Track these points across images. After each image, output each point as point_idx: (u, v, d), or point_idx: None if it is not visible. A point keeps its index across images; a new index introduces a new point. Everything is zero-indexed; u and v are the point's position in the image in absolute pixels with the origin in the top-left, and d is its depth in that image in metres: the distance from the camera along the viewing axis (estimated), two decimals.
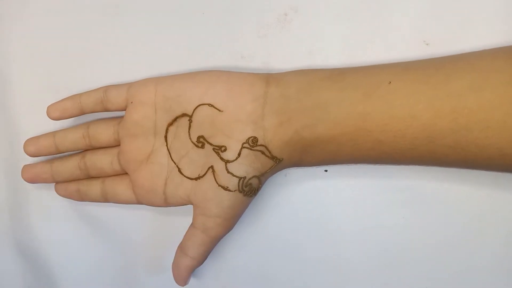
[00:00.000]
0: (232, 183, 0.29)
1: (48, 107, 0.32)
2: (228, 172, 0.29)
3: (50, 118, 0.32)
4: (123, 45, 0.33)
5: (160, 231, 0.35)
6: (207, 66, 0.32)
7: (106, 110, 0.32)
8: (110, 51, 0.34)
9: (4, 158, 0.37)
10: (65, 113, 0.32)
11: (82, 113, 0.32)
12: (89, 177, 0.33)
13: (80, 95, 0.32)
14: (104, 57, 0.34)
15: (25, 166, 0.34)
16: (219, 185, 0.29)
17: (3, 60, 0.35)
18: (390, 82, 0.26)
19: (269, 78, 0.29)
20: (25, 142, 0.33)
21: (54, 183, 0.34)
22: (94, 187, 0.33)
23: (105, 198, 0.33)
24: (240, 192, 0.29)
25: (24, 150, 0.33)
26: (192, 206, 0.31)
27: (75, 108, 0.32)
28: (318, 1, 0.31)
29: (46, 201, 0.36)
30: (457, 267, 0.32)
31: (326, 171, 0.32)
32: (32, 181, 0.34)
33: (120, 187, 0.32)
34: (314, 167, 0.32)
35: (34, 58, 0.35)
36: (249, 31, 0.32)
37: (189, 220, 0.31)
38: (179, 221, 0.33)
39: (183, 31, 0.33)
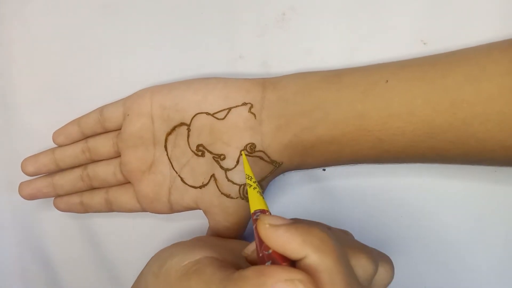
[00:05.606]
0: (234, 190, 0.29)
1: (53, 133, 0.33)
2: (228, 180, 0.29)
3: (56, 144, 0.33)
4: (122, 45, 0.33)
5: (163, 232, 0.35)
6: (205, 66, 0.32)
7: (107, 129, 0.32)
8: (108, 51, 0.33)
9: (4, 157, 0.36)
10: (69, 137, 0.32)
11: (84, 136, 0.32)
12: (91, 189, 0.33)
13: (79, 119, 0.32)
14: (102, 57, 0.34)
15: (22, 183, 0.33)
16: (222, 193, 0.29)
17: (3, 60, 0.35)
18: (387, 80, 0.25)
19: (265, 83, 0.29)
20: (22, 162, 0.33)
21: (53, 199, 0.34)
22: (98, 198, 0.32)
23: (109, 208, 0.32)
24: (242, 198, 0.29)
25: (23, 171, 0.33)
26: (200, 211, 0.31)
27: (76, 132, 0.32)
28: (316, 1, 0.31)
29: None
30: (457, 267, 0.32)
31: (324, 170, 0.32)
32: (32, 197, 0.33)
33: (125, 196, 0.32)
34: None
35: (34, 58, 0.35)
36: (247, 31, 0.32)
37: (192, 224, 0.32)
38: (183, 226, 0.34)
39: (181, 31, 0.32)
